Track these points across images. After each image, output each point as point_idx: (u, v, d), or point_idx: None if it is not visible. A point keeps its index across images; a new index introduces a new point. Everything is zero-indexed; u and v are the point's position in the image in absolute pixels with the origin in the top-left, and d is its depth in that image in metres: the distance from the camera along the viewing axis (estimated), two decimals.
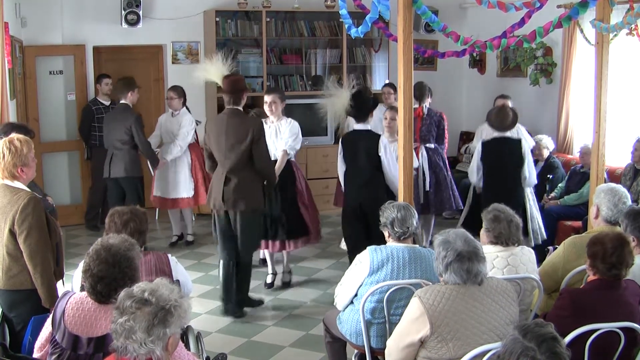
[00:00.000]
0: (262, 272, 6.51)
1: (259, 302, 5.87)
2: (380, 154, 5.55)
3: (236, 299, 5.64)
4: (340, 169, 5.83)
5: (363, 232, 5.53)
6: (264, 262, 6.63)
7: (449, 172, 7.15)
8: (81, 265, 3.53)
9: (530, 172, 6.15)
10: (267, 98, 6.14)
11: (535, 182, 6.34)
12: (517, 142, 6.19)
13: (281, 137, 6.11)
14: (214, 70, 5.98)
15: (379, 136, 5.65)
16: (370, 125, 5.77)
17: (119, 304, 2.38)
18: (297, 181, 6.27)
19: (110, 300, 2.82)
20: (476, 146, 6.48)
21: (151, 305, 2.35)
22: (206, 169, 5.94)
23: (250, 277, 5.76)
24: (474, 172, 6.30)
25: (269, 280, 6.38)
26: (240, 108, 5.54)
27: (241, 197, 5.45)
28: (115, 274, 2.86)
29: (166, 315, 2.35)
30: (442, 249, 3.11)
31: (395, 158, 5.62)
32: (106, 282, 2.84)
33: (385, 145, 5.58)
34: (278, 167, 6.02)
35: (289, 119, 6.26)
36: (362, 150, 5.60)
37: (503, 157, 6.16)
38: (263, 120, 5.90)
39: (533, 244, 6.06)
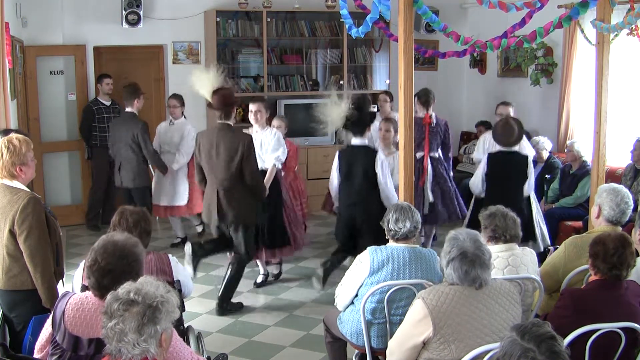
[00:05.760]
0: (255, 271, 6.52)
1: (239, 306, 5.82)
2: (377, 170, 5.53)
3: (221, 296, 5.69)
4: (335, 180, 5.83)
5: (352, 247, 5.59)
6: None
7: (453, 182, 7.00)
8: (82, 265, 3.54)
9: (530, 186, 6.11)
10: (253, 107, 6.11)
11: (532, 190, 6.29)
12: (524, 158, 6.13)
13: (266, 148, 6.07)
14: (207, 80, 5.85)
15: (376, 152, 5.64)
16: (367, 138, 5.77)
17: (106, 308, 2.36)
18: (282, 193, 6.26)
19: None
20: (480, 158, 6.42)
21: (138, 304, 2.33)
22: (196, 181, 5.96)
23: (238, 282, 5.79)
24: (478, 185, 6.18)
25: (259, 280, 6.40)
26: (231, 122, 5.56)
27: (235, 213, 5.52)
28: (123, 267, 2.85)
29: (155, 312, 2.34)
30: (449, 244, 3.13)
31: (391, 173, 5.63)
32: (113, 276, 2.81)
33: (382, 161, 5.57)
34: (267, 180, 6.01)
35: (273, 129, 6.25)
36: (359, 167, 5.59)
37: (509, 170, 6.09)
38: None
39: (542, 248, 6.06)
